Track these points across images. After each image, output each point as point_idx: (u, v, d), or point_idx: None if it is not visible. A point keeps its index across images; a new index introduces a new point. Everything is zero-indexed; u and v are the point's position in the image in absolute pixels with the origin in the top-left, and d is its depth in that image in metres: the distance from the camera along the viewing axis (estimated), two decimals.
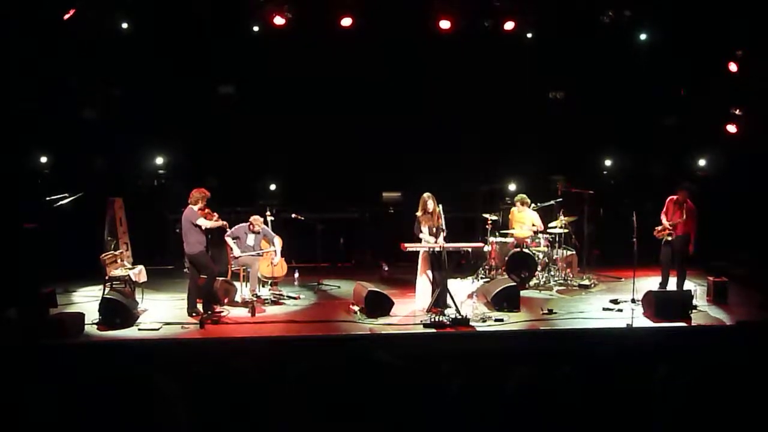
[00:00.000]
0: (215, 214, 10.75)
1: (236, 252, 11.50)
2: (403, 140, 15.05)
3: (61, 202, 12.29)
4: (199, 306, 10.63)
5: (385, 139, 15.01)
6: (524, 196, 13.19)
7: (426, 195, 10.89)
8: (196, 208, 10.53)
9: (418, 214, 10.89)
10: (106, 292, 10.70)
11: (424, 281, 10.93)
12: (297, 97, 14.80)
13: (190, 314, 10.52)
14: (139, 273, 11.45)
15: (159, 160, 15.12)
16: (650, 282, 12.00)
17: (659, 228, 11.61)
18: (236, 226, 11.79)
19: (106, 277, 11.08)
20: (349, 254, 15.47)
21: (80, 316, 9.90)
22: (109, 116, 14.08)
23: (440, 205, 10.79)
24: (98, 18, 12.48)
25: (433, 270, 10.77)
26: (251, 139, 14.81)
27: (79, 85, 13.71)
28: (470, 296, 10.87)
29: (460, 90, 14.78)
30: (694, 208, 11.48)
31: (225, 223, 10.95)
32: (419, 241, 10.88)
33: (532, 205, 13.27)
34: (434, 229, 10.79)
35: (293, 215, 13.00)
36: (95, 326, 9.91)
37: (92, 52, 13.24)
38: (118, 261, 11.63)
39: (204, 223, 10.50)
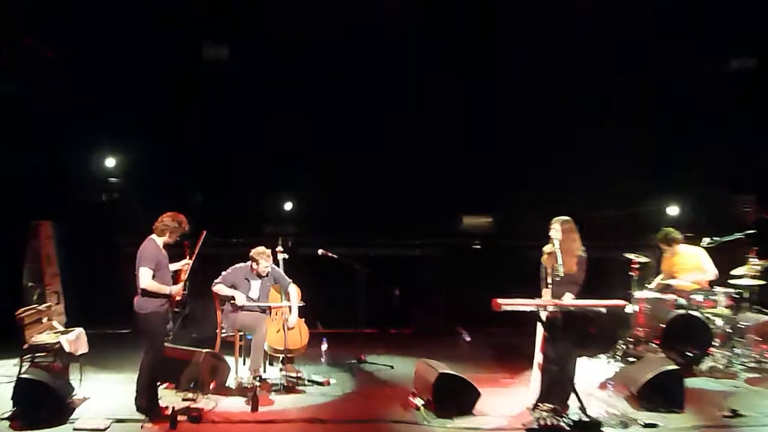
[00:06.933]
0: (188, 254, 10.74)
1: (239, 299, 11.67)
2: (494, 135, 15.25)
3: None
4: (167, 392, 10.67)
5: (468, 132, 15.23)
6: (672, 230, 13.20)
7: (554, 220, 10.62)
8: (160, 240, 10.43)
9: (545, 249, 10.79)
10: (24, 369, 10.80)
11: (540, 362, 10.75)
12: (325, 60, 14.93)
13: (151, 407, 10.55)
14: (77, 340, 11.57)
15: (109, 163, 15.39)
16: None
17: None
18: (231, 269, 11.90)
19: (25, 346, 11.19)
20: (407, 315, 15.61)
21: None
22: (35, 92, 14.34)
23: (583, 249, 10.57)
24: None
25: (546, 343, 10.63)
26: (253, 129, 14.99)
27: None
28: (604, 386, 10.82)
29: (584, 53, 14.86)
30: None
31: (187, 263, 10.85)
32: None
33: (705, 239, 13.24)
34: (556, 278, 10.42)
35: (320, 251, 13.05)
36: (7, 423, 9.98)
37: None
38: (44, 320, 11.78)
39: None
